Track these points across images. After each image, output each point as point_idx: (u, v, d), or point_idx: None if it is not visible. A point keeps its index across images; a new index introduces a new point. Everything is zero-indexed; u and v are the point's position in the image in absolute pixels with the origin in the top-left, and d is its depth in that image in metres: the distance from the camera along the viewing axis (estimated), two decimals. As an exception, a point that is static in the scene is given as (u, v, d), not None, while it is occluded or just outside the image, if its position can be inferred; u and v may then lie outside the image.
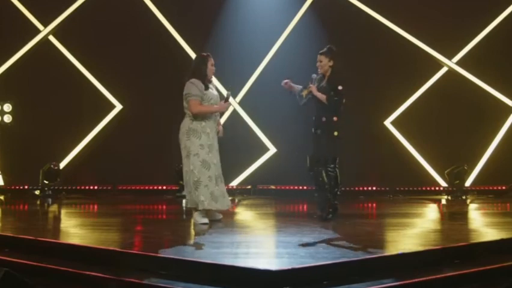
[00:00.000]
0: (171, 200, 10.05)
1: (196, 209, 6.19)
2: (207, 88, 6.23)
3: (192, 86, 6.19)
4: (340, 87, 6.30)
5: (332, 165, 6.31)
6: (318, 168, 6.39)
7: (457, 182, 10.37)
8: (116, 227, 6.43)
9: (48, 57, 10.97)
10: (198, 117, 6.19)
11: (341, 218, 6.85)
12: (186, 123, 6.25)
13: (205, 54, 6.42)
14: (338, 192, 6.49)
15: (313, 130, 6.46)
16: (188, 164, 6.14)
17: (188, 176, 6.17)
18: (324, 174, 6.34)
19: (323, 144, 6.30)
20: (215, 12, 10.92)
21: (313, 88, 6.31)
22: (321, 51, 6.43)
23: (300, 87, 6.66)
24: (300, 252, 4.44)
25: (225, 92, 6.47)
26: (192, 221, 6.31)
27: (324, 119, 6.31)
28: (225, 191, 6.33)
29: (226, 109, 6.24)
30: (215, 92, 6.37)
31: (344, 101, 6.36)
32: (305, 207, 8.98)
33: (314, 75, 6.43)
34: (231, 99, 6.54)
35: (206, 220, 6.19)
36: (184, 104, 6.28)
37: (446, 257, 4.55)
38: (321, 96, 6.28)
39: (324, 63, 6.37)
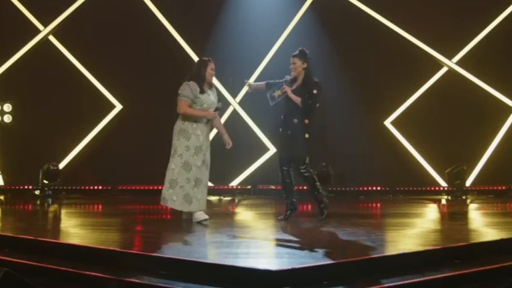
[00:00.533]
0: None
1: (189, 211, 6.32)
2: (202, 92, 6.29)
3: (186, 87, 6.29)
4: (315, 91, 6.32)
5: (304, 167, 6.32)
6: (288, 169, 6.40)
7: (457, 182, 10.37)
8: (116, 227, 6.43)
9: (48, 57, 10.97)
10: (190, 118, 6.29)
11: (341, 218, 6.85)
12: (178, 124, 6.40)
13: (206, 58, 6.49)
14: (321, 190, 6.48)
15: (280, 130, 6.44)
16: (171, 162, 6.34)
17: (168, 173, 6.35)
18: (291, 175, 6.38)
19: (294, 145, 6.30)
20: (215, 12, 10.93)
21: (288, 90, 6.30)
22: (294, 54, 6.43)
23: (261, 83, 6.72)
24: (300, 252, 4.44)
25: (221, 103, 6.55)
26: (193, 221, 6.32)
27: (295, 120, 6.30)
28: (205, 194, 6.38)
29: (212, 117, 6.30)
30: (212, 98, 6.39)
31: (317, 105, 6.36)
32: (305, 207, 8.98)
33: (288, 77, 6.43)
34: (233, 102, 6.58)
35: (205, 216, 6.30)
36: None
37: (446, 257, 4.54)
38: (296, 99, 6.28)
39: (298, 65, 6.38)
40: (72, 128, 10.84)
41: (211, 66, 6.39)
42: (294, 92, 6.33)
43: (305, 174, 6.35)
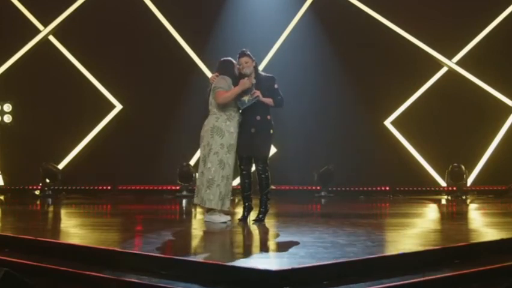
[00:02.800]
0: (171, 200, 10.05)
1: (209, 209, 6.25)
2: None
3: (221, 80, 6.29)
4: (276, 86, 6.28)
5: (263, 165, 6.26)
6: (248, 169, 6.34)
7: (460, 182, 10.35)
8: (116, 227, 6.42)
9: (48, 57, 10.98)
10: (222, 116, 6.23)
11: (341, 218, 6.84)
12: (211, 121, 6.28)
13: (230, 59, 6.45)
14: (269, 194, 6.39)
15: (239, 129, 6.34)
16: (207, 161, 6.22)
17: (204, 172, 6.24)
18: (256, 175, 6.30)
19: (258, 143, 6.22)
20: (215, 12, 10.94)
21: (258, 93, 6.24)
22: (243, 53, 6.35)
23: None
24: (300, 252, 4.43)
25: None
26: (204, 220, 6.28)
27: (258, 117, 6.23)
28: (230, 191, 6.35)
29: (249, 85, 6.19)
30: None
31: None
32: (306, 207, 8.98)
33: (254, 80, 6.35)
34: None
35: (224, 219, 6.25)
36: (210, 100, 6.31)
37: (446, 257, 4.54)
38: (269, 101, 6.23)
39: (250, 64, 6.34)
40: (72, 128, 10.85)
41: (237, 62, 6.35)
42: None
43: (263, 175, 6.26)
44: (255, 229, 6.15)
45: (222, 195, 6.18)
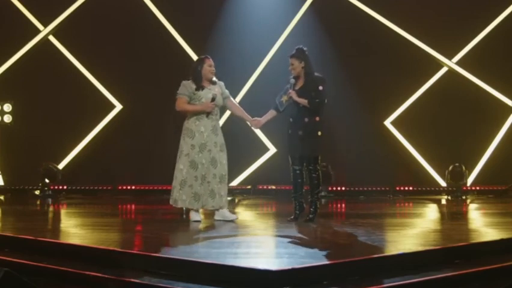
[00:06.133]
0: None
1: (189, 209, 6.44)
2: (201, 89, 6.39)
3: (181, 86, 6.45)
4: (321, 88, 6.25)
5: (313, 165, 6.27)
6: (301, 169, 6.36)
7: (460, 182, 10.34)
8: (116, 227, 6.43)
9: (48, 57, 10.97)
10: (192, 116, 6.37)
11: (341, 218, 6.85)
12: (184, 123, 6.47)
13: (202, 56, 6.61)
14: (321, 193, 6.43)
15: (290, 131, 6.35)
16: (179, 162, 6.39)
17: (177, 174, 6.41)
18: (306, 175, 6.33)
19: (307, 144, 6.24)
20: (215, 12, 10.93)
21: (293, 94, 6.25)
22: (291, 54, 6.37)
23: (268, 112, 6.56)
24: (300, 252, 4.43)
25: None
26: (190, 220, 6.35)
27: (306, 119, 6.24)
28: (214, 191, 6.35)
29: (211, 109, 6.32)
30: (213, 92, 6.38)
31: (326, 101, 6.30)
32: (306, 207, 8.96)
33: (293, 80, 6.35)
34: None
35: (198, 217, 6.39)
36: None
37: (446, 257, 4.54)
38: (303, 101, 6.22)
39: (296, 66, 6.32)
40: (72, 128, 10.84)
41: (208, 63, 6.47)
42: (298, 92, 6.27)
43: (314, 174, 6.29)
44: (255, 229, 6.16)
45: (198, 195, 6.29)
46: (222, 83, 6.62)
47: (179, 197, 6.35)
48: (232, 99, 6.75)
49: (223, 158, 6.44)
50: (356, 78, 10.78)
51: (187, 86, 6.40)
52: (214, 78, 6.52)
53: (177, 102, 6.41)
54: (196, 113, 6.37)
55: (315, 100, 6.18)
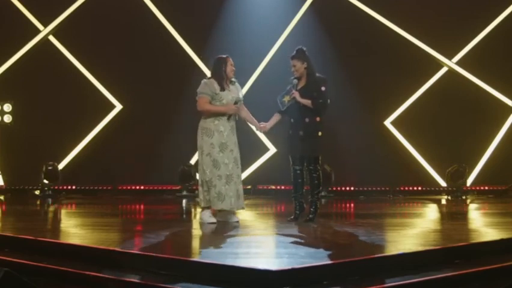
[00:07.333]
0: (171, 200, 10.05)
1: (204, 208, 6.27)
2: (223, 89, 6.25)
3: (204, 85, 6.29)
4: (323, 88, 6.24)
5: (314, 165, 6.27)
6: (301, 169, 6.35)
7: (460, 182, 10.34)
8: (116, 227, 6.43)
9: (48, 57, 10.97)
10: (210, 115, 6.24)
11: (341, 218, 6.84)
12: (201, 123, 6.33)
13: (224, 55, 6.41)
14: (321, 193, 6.42)
15: (290, 132, 6.35)
16: (201, 163, 6.27)
17: (201, 175, 6.29)
18: (306, 175, 6.32)
19: (307, 145, 6.24)
20: (215, 12, 10.93)
21: (296, 94, 6.24)
22: (292, 55, 6.35)
23: (273, 116, 6.56)
24: (300, 252, 4.43)
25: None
26: (198, 220, 6.30)
27: (307, 120, 6.23)
28: (239, 191, 6.33)
29: (234, 111, 6.25)
30: (232, 94, 6.31)
31: (329, 101, 6.29)
32: (306, 207, 8.96)
33: (295, 81, 6.34)
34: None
35: (213, 219, 6.23)
36: None
37: (446, 257, 4.54)
38: (306, 102, 6.21)
39: (299, 67, 6.30)
40: (72, 128, 10.85)
41: (230, 62, 6.35)
42: (300, 92, 6.26)
43: (314, 174, 6.29)
44: (255, 229, 6.16)
45: (222, 195, 6.16)
46: (238, 85, 6.52)
47: (205, 197, 6.22)
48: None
49: (239, 159, 6.42)
50: (356, 78, 10.78)
51: (209, 85, 6.23)
52: (233, 78, 6.45)
53: (199, 102, 6.23)
54: (217, 114, 6.27)
55: (318, 101, 6.17)
